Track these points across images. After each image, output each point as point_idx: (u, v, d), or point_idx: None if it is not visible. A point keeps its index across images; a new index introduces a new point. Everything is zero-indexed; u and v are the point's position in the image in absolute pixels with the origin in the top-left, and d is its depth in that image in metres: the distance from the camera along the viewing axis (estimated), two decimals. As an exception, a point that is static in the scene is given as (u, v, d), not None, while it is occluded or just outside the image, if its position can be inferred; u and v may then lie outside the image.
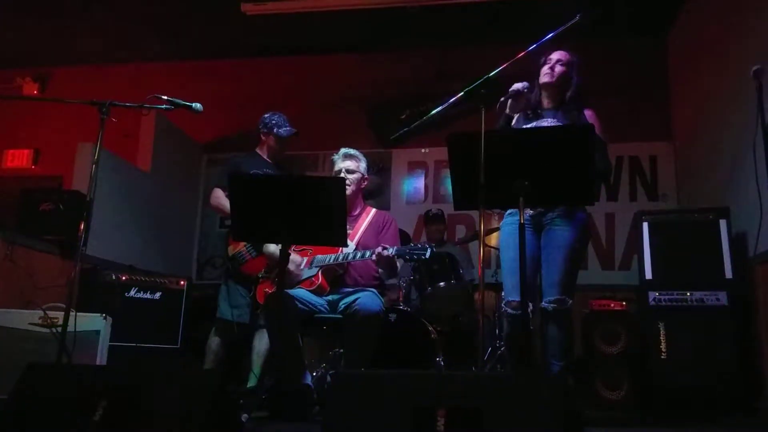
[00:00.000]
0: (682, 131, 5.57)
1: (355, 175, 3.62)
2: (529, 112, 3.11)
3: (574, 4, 4.72)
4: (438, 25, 5.77)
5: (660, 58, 5.81)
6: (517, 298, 2.89)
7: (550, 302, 2.89)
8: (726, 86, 4.42)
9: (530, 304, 2.88)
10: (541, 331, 2.97)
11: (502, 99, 2.96)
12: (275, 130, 4.24)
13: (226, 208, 4.08)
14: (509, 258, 3.03)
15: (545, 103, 3.16)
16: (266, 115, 4.30)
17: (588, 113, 3.10)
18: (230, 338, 4.11)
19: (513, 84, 2.96)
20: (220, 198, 4.15)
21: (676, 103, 5.67)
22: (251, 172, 4.12)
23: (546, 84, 3.12)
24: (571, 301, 2.91)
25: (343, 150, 3.70)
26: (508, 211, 3.14)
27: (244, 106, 6.18)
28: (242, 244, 4.01)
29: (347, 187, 3.52)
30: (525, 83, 2.97)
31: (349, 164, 3.62)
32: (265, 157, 4.29)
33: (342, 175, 3.57)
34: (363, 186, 3.72)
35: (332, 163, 3.73)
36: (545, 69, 3.09)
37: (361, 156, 3.70)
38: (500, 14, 5.45)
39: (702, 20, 5.06)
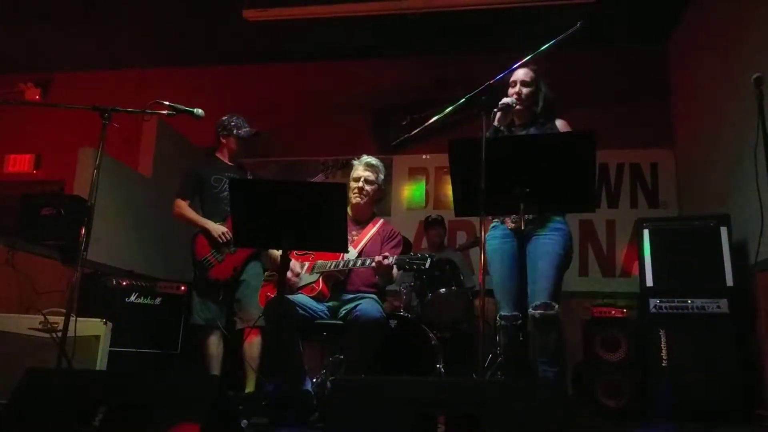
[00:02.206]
0: (683, 138, 5.58)
1: (373, 186, 3.65)
2: (503, 128, 3.11)
3: (575, 12, 4.78)
4: (439, 32, 5.79)
5: (661, 65, 5.83)
6: (510, 312, 3.01)
7: (536, 308, 2.90)
8: (727, 93, 4.43)
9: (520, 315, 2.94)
10: (532, 339, 2.98)
11: (494, 110, 2.98)
12: (235, 131, 4.20)
13: (189, 217, 4.07)
14: (498, 270, 3.08)
15: (516, 121, 3.19)
16: (224, 118, 4.26)
17: (560, 123, 3.13)
18: (219, 340, 4.08)
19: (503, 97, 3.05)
20: (183, 208, 4.10)
21: (677, 110, 5.68)
22: (212, 177, 4.11)
23: (516, 110, 3.13)
24: (557, 306, 2.93)
25: (365, 158, 3.71)
26: (492, 224, 3.19)
27: (246, 111, 6.12)
28: (208, 249, 3.99)
29: (364, 197, 3.56)
30: (514, 98, 3.06)
31: (370, 175, 3.64)
32: (225, 160, 4.26)
33: (360, 184, 3.60)
34: (377, 197, 3.74)
35: (351, 167, 3.74)
36: (511, 92, 3.10)
37: (381, 167, 3.72)
38: (501, 21, 5.47)
39: (703, 28, 5.07)
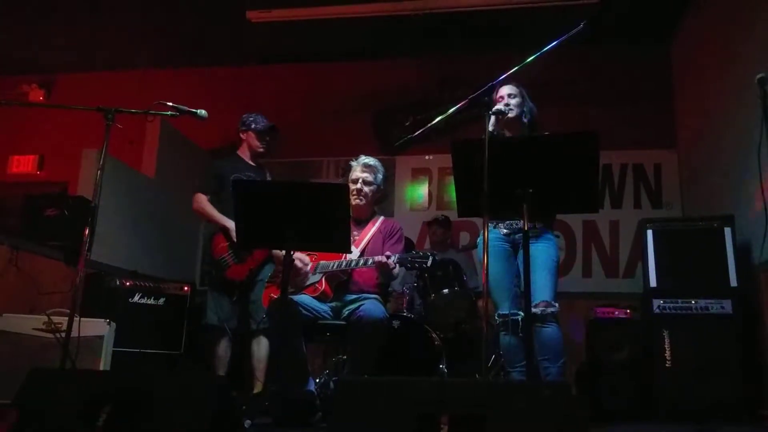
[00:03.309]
0: (686, 139, 5.57)
1: (372, 187, 3.64)
2: (496, 134, 3.17)
3: (577, 12, 4.78)
4: (442, 32, 5.79)
5: (664, 65, 5.82)
6: (508, 310, 3.09)
7: (537, 306, 2.98)
8: (730, 94, 4.42)
9: (520, 313, 3.03)
10: (532, 338, 3.04)
11: (489, 112, 3.02)
12: (253, 126, 4.25)
13: (209, 214, 4.08)
14: (493, 273, 3.10)
15: (507, 133, 3.26)
16: (244, 116, 4.32)
17: None
18: (230, 344, 4.08)
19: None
20: (203, 203, 4.12)
21: (681, 111, 5.67)
22: (233, 176, 4.12)
23: (507, 118, 3.21)
24: (557, 304, 3.03)
25: (363, 159, 3.69)
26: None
27: (249, 112, 6.19)
28: (225, 249, 4.00)
29: (363, 198, 3.56)
30: (504, 107, 3.14)
31: (368, 175, 3.63)
32: (247, 159, 4.27)
33: (359, 185, 3.60)
34: (377, 197, 3.74)
35: (349, 167, 3.74)
36: (501, 105, 3.17)
37: (379, 167, 3.71)
38: (504, 22, 5.47)
39: (706, 28, 5.06)
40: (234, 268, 3.98)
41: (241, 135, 4.30)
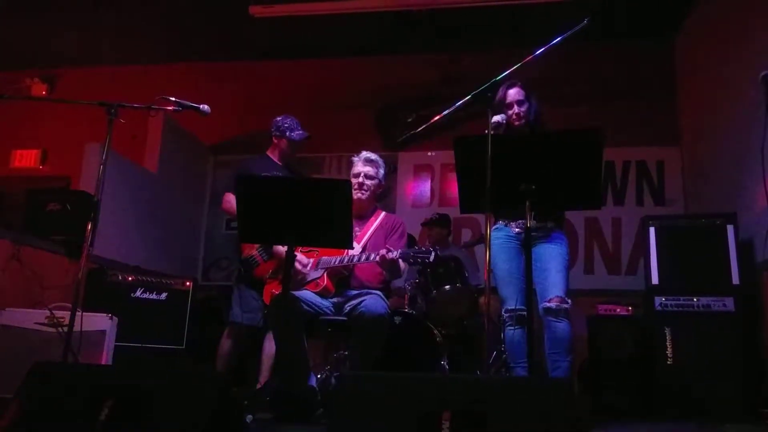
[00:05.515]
0: (689, 136, 5.56)
1: (374, 182, 3.65)
2: None
3: (580, 8, 4.76)
4: (444, 29, 5.78)
5: (667, 62, 5.80)
6: (515, 305, 3.12)
7: (551, 301, 3.04)
8: (734, 91, 4.41)
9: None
10: (540, 334, 3.08)
11: (491, 124, 3.04)
12: (288, 133, 4.23)
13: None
14: (504, 269, 3.20)
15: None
16: (279, 119, 4.29)
17: None
18: (241, 341, 4.10)
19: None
20: (231, 202, 4.14)
21: (684, 108, 5.65)
22: (261, 175, 4.13)
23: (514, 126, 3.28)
24: (570, 301, 3.07)
25: (364, 154, 3.70)
26: (495, 226, 3.30)
27: (252, 108, 6.20)
28: (255, 247, 4.00)
29: (365, 192, 3.57)
30: (503, 116, 3.22)
31: (369, 170, 3.64)
32: (275, 160, 4.28)
33: (361, 179, 3.60)
34: (378, 192, 3.74)
35: (350, 164, 3.74)
36: (510, 113, 3.25)
37: (381, 162, 3.72)
38: (507, 18, 5.45)
39: (709, 25, 5.05)
40: (263, 266, 3.99)
41: (274, 139, 4.29)
